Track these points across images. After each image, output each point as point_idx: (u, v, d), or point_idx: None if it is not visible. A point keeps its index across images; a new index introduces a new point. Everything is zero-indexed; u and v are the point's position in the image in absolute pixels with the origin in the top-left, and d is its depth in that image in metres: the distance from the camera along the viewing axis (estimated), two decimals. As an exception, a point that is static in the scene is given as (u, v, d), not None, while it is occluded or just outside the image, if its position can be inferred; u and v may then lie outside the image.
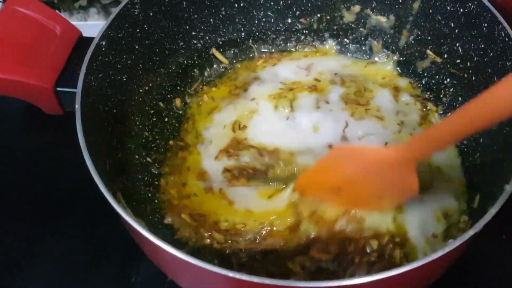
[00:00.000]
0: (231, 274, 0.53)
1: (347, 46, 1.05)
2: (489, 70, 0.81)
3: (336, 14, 1.03)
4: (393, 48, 1.01)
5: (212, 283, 0.60)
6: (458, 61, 0.89)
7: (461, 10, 0.85)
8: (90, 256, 0.89)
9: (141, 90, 0.93)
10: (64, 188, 0.97)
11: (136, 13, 0.86)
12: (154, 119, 0.95)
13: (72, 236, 0.91)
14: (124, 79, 0.87)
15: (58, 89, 0.80)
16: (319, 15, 1.04)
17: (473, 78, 0.86)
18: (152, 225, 0.80)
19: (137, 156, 0.89)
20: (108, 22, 0.80)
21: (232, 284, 0.55)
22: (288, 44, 1.07)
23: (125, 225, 0.64)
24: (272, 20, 1.05)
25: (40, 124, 1.02)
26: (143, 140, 0.92)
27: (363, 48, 1.04)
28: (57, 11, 1.26)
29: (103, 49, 0.79)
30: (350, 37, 1.05)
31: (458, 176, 0.84)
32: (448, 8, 0.87)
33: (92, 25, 1.27)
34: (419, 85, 0.98)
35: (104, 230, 0.90)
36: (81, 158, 0.66)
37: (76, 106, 0.70)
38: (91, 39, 0.79)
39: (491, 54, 0.80)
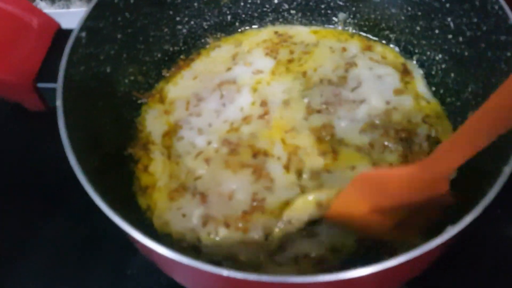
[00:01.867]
0: (225, 272, 0.51)
1: (336, 24, 1.03)
2: (482, 45, 0.78)
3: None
4: (384, 25, 0.98)
5: (206, 280, 0.59)
6: (450, 36, 0.87)
7: (452, -17, 0.83)
8: (83, 250, 0.88)
9: (126, 81, 0.90)
10: (52, 184, 0.95)
11: (116, 1, 0.83)
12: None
13: (64, 232, 0.90)
14: (108, 71, 0.84)
15: (38, 85, 0.78)
16: (306, -5, 1.01)
17: (466, 53, 0.84)
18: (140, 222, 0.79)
19: (126, 150, 0.87)
20: (87, 13, 0.77)
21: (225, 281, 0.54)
22: (276, 25, 1.04)
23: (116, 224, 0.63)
24: (258, 1, 1.02)
25: (25, 120, 1.00)
26: (132, 132, 0.90)
27: (356, 27, 1.02)
28: (37, 1, 1.23)
29: (83, 40, 0.76)
30: (340, 15, 1.02)
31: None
32: (438, -19, 0.85)
33: (74, 13, 1.23)
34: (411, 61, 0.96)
35: (96, 224, 0.88)
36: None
37: (58, 102, 0.68)
38: (70, 31, 0.76)
39: (484, 28, 0.77)
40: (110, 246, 0.88)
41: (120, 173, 0.84)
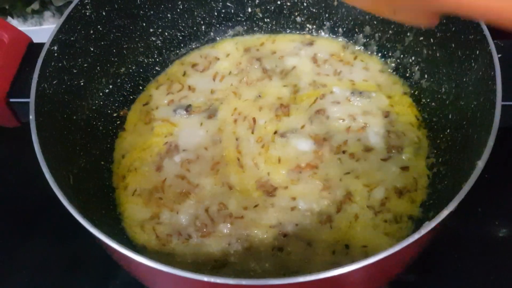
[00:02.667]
0: (205, 278, 0.51)
1: (310, 31, 1.03)
2: (452, 45, 0.80)
3: (296, 0, 1.01)
4: (356, 30, 0.99)
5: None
6: (421, 38, 0.88)
7: (420, -14, 0.84)
8: (65, 267, 0.87)
9: (101, 94, 0.90)
10: (32, 201, 0.94)
11: (87, 13, 0.83)
12: (119, 122, 0.92)
13: (46, 249, 0.89)
14: (82, 83, 0.84)
15: (11, 100, 0.77)
16: (279, 2, 1.01)
17: (437, 54, 0.85)
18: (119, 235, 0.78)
19: (102, 162, 0.87)
20: (59, 26, 0.77)
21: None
22: (250, 34, 1.05)
23: (96, 239, 0.62)
24: (232, 10, 1.02)
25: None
26: (108, 145, 0.89)
27: (330, 33, 1.02)
28: (8, 18, 1.22)
29: (55, 54, 0.76)
30: (313, 22, 1.03)
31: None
32: (407, -15, 0.86)
33: (47, 29, 1.22)
34: (384, 64, 0.97)
35: (77, 241, 0.88)
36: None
37: (31, 117, 0.67)
38: (42, 45, 0.75)
39: (453, 28, 0.79)
40: (92, 263, 0.87)
41: (97, 186, 0.83)
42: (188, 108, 0.92)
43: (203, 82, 0.97)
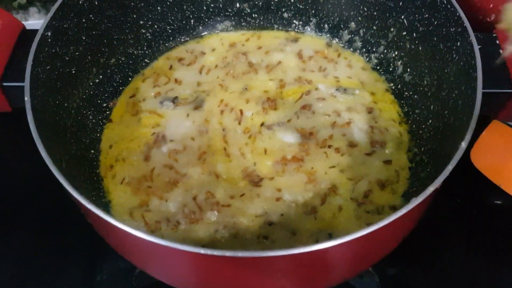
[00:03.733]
0: (202, 251, 0.52)
1: (297, 28, 1.06)
2: (434, 38, 0.83)
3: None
4: (342, 26, 1.02)
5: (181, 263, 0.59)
6: (405, 33, 0.92)
7: (404, -18, 0.88)
8: (52, 258, 0.87)
9: (91, 83, 0.91)
10: (17, 194, 0.93)
11: (80, 2, 0.84)
12: (108, 112, 0.93)
13: (33, 239, 0.88)
14: (73, 72, 0.85)
15: (4, 84, 0.77)
16: (267, -2, 1.04)
17: (420, 48, 0.88)
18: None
19: (92, 151, 0.87)
20: (53, 12, 0.78)
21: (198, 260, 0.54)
22: (238, 29, 1.07)
23: (89, 217, 0.62)
24: (221, 5, 1.04)
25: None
26: (97, 135, 0.90)
27: (315, 29, 1.05)
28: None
29: (49, 40, 0.77)
30: (300, 19, 1.05)
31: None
32: (391, -19, 0.90)
33: (33, 25, 1.22)
34: (368, 60, 1.00)
35: (65, 231, 0.88)
36: (34, 158, 0.64)
37: (26, 99, 0.68)
38: (34, 31, 0.76)
39: (435, 22, 0.82)
40: (80, 253, 0.87)
41: (86, 173, 0.83)
42: (174, 100, 0.94)
43: (190, 75, 0.99)
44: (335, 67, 1.00)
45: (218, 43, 1.05)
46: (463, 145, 0.61)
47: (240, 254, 0.52)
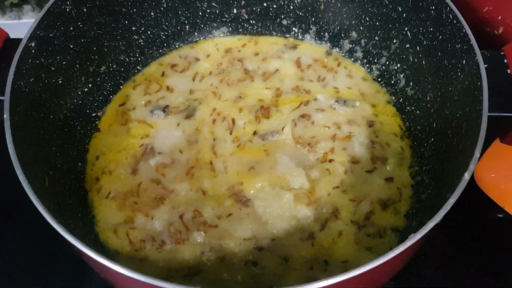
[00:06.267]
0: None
1: (296, 35, 1.02)
2: (439, 54, 0.79)
3: (282, 3, 0.99)
4: (342, 35, 0.98)
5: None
6: (408, 45, 0.88)
7: (408, -7, 0.84)
8: (37, 271, 0.84)
9: (79, 92, 0.87)
10: (3, 203, 0.91)
11: (68, 9, 0.80)
12: (97, 121, 0.90)
13: (17, 252, 0.86)
14: (60, 82, 0.81)
15: (-16, 97, 0.74)
16: (265, 4, 1.00)
17: (423, 62, 0.85)
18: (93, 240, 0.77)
19: (79, 164, 0.84)
20: (37, 21, 0.74)
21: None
22: (235, 35, 1.03)
23: (69, 245, 0.59)
24: (217, 11, 1.01)
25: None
26: (86, 146, 0.87)
27: (315, 37, 1.01)
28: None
29: (33, 50, 0.73)
30: (299, 26, 1.02)
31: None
32: (395, -9, 0.86)
33: (26, 24, 1.19)
34: (369, 71, 0.96)
35: (52, 241, 0.84)
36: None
37: (5, 116, 0.64)
38: (19, 40, 0.73)
39: (440, 37, 0.78)
40: (65, 264, 0.83)
41: (73, 187, 0.80)
42: (165, 109, 0.91)
43: (182, 83, 0.96)
44: (334, 76, 0.96)
45: (213, 48, 1.01)
46: (466, 176, 0.58)
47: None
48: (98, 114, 0.91)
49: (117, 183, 0.83)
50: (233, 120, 0.89)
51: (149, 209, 0.79)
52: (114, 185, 0.83)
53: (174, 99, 0.93)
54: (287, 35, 1.03)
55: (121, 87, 0.95)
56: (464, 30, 0.72)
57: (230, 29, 1.03)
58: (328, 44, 1.00)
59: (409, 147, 0.86)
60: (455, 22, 0.74)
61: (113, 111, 0.92)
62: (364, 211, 0.79)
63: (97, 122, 0.90)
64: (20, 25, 1.19)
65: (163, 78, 0.96)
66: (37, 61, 0.74)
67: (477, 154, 0.60)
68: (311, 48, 1.01)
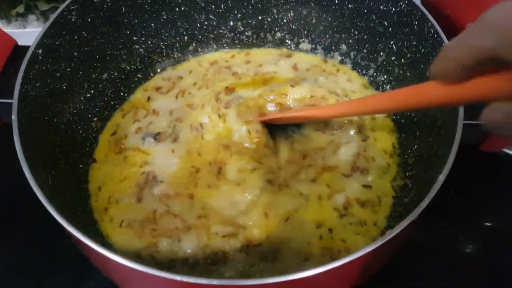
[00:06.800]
0: (178, 277, 0.53)
1: (289, 47, 1.07)
2: (421, 66, 0.84)
3: (276, 16, 1.04)
4: (333, 47, 1.03)
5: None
6: (393, 58, 0.93)
7: (393, 9, 0.89)
8: (38, 269, 0.87)
9: (82, 98, 0.91)
10: (5, 202, 0.94)
11: (73, 19, 0.85)
12: (99, 126, 0.94)
13: (18, 250, 0.89)
14: (64, 87, 0.85)
15: (-7, 100, 0.78)
16: (260, 18, 1.05)
17: (408, 74, 0.89)
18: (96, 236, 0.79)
19: (81, 165, 0.88)
20: (44, 30, 0.79)
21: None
22: (232, 47, 1.08)
23: (72, 238, 0.63)
24: (214, 23, 1.05)
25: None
26: (87, 149, 0.90)
27: (305, 49, 1.06)
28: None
29: (40, 57, 0.78)
30: (292, 39, 1.07)
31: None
32: (381, 7, 0.91)
33: (31, 33, 1.23)
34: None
35: (52, 241, 0.89)
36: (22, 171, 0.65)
37: (13, 117, 0.69)
38: (27, 48, 0.77)
39: (423, 50, 0.83)
40: (64, 265, 0.87)
41: (74, 188, 0.84)
42: (156, 136, 0.91)
43: (166, 104, 0.97)
44: (336, 81, 1.00)
45: (195, 65, 1.04)
46: (441, 178, 0.62)
47: (215, 282, 0.53)
48: (92, 123, 0.93)
49: (128, 212, 0.82)
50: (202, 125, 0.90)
51: (173, 234, 0.79)
52: (125, 214, 0.82)
53: (160, 123, 0.93)
54: (281, 47, 1.07)
55: (121, 93, 0.99)
56: (443, 44, 0.77)
57: (228, 40, 1.07)
58: (320, 56, 1.05)
59: (396, 164, 0.87)
60: (435, 36, 0.79)
61: (106, 141, 0.92)
62: (341, 202, 0.82)
63: (99, 127, 0.94)
64: (25, 34, 1.23)
65: (149, 103, 0.98)
66: (44, 67, 0.79)
67: (451, 158, 0.64)
68: (306, 57, 1.05)
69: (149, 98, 0.99)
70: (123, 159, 0.89)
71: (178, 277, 0.54)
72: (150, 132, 0.92)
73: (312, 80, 0.97)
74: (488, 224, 0.94)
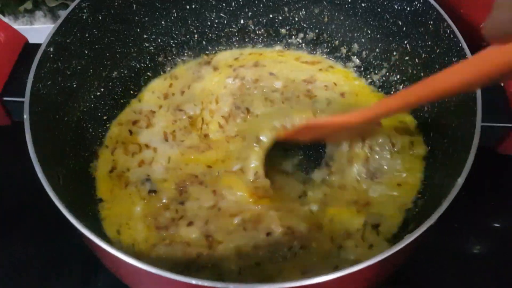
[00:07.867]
0: (194, 281, 0.52)
1: (300, 46, 1.06)
2: (436, 66, 0.83)
3: (288, 15, 1.03)
4: (345, 47, 1.02)
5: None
6: (407, 58, 0.91)
7: (408, 8, 0.87)
8: (46, 268, 0.87)
9: (92, 96, 0.91)
10: (15, 201, 0.94)
11: (84, 17, 0.84)
12: (108, 125, 0.93)
13: (27, 249, 0.89)
14: (75, 86, 0.85)
15: (5, 98, 0.77)
16: (271, 16, 1.04)
17: (422, 74, 0.88)
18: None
19: (91, 164, 0.87)
20: (56, 28, 0.78)
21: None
22: (242, 45, 1.07)
23: (83, 238, 0.62)
24: (225, 21, 1.05)
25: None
26: (96, 149, 0.90)
27: (317, 48, 1.05)
28: (0, 16, 1.22)
29: (51, 55, 0.77)
30: (303, 37, 1.05)
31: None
32: (396, 6, 0.89)
33: (38, 29, 1.23)
34: (370, 82, 1.00)
35: (59, 242, 0.88)
36: (33, 169, 0.64)
37: (25, 116, 0.68)
38: (37, 45, 0.76)
39: (438, 50, 0.82)
40: (72, 265, 0.87)
41: (83, 187, 0.83)
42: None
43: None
44: None
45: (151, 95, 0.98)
46: (460, 181, 0.61)
47: (231, 286, 0.52)
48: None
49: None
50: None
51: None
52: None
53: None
54: (292, 46, 1.06)
55: (131, 92, 0.98)
56: (460, 45, 0.76)
57: (237, 38, 1.06)
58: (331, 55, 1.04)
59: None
60: (452, 36, 0.78)
61: (106, 179, 0.86)
62: None
63: (108, 125, 0.93)
64: (32, 30, 1.23)
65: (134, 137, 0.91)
66: (55, 65, 0.78)
67: (470, 161, 0.63)
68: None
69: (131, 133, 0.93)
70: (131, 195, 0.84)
71: (193, 281, 0.53)
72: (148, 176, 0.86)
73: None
74: (499, 225, 0.93)
